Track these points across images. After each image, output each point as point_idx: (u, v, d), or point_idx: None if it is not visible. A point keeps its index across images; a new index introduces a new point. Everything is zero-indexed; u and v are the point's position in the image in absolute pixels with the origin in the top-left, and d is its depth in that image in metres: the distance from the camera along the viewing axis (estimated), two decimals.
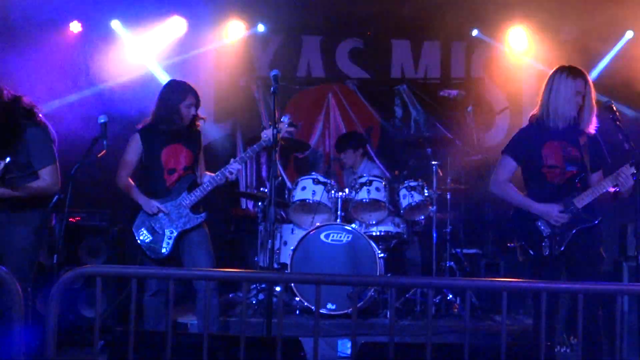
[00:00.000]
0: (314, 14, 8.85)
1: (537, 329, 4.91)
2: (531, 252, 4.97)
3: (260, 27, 9.09)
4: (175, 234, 5.56)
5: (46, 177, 5.03)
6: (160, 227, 5.57)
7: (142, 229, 5.58)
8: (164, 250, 5.55)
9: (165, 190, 5.61)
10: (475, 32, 9.15)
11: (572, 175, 4.95)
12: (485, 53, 9.37)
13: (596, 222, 4.90)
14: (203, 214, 5.66)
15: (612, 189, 4.88)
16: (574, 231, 4.87)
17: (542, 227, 4.93)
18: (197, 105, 5.68)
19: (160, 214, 5.55)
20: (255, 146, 5.68)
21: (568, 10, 8.35)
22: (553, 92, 4.97)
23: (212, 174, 5.68)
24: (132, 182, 5.65)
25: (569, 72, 4.97)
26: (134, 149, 5.64)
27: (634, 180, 4.74)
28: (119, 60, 8.52)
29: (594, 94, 4.96)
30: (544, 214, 4.92)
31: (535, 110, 5.11)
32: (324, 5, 8.69)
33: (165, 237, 5.55)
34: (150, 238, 5.56)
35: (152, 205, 5.53)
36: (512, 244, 5.24)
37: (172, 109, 5.58)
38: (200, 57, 9.11)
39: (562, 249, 4.87)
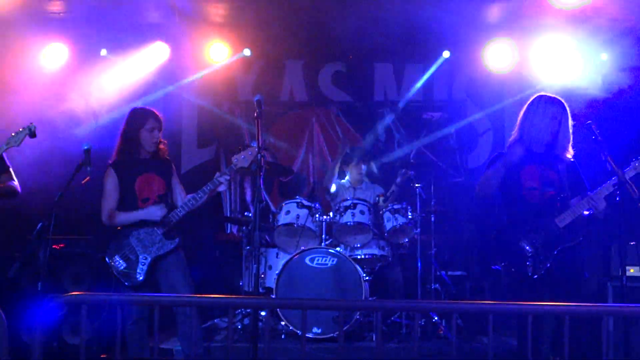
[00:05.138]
0: (297, 39, 8.88)
1: (522, 351, 4.93)
2: (514, 272, 4.99)
3: (247, 51, 9.08)
4: (148, 259, 5.52)
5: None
6: (134, 254, 5.53)
7: (116, 257, 5.53)
8: (139, 277, 5.50)
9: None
10: (452, 54, 9.16)
11: (551, 196, 5.02)
12: (467, 75, 9.43)
13: (578, 241, 4.96)
14: (176, 240, 5.62)
15: (585, 212, 4.96)
16: (556, 251, 4.91)
17: (526, 247, 4.96)
18: (160, 128, 5.69)
19: (133, 241, 5.52)
20: (226, 170, 5.66)
21: (543, 28, 8.43)
22: (529, 116, 5.09)
23: (192, 194, 5.65)
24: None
25: (547, 99, 5.10)
26: (112, 183, 5.62)
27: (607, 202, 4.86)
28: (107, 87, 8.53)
29: (570, 123, 5.07)
30: None
31: (513, 134, 5.20)
32: (306, 29, 8.73)
33: (139, 263, 5.51)
34: (125, 265, 5.52)
35: (153, 212, 5.52)
36: (495, 266, 5.24)
37: (132, 139, 5.61)
38: (183, 83, 9.12)
39: (546, 267, 4.90)
